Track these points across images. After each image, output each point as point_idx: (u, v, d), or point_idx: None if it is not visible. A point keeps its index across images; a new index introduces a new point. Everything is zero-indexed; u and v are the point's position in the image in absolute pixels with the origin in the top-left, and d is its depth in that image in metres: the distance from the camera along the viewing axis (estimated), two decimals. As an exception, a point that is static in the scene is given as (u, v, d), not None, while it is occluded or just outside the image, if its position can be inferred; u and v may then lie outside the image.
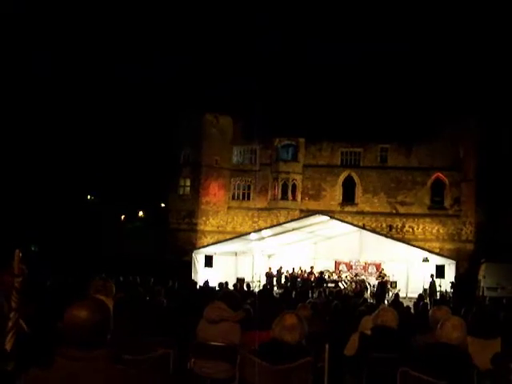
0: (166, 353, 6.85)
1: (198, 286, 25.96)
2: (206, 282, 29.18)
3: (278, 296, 25.96)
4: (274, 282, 38.41)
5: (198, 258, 37.44)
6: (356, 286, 36.74)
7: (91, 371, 3.28)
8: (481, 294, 37.22)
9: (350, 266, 41.26)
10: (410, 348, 7.01)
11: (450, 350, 5.58)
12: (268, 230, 40.18)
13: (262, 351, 5.41)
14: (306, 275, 38.65)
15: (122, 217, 74.80)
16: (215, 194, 56.62)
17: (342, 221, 41.39)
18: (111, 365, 3.37)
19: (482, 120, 51.09)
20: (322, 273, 38.66)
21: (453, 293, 32.93)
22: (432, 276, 35.01)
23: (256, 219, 55.66)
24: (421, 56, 77.43)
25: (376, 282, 37.09)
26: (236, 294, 9.95)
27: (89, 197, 76.98)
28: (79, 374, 3.27)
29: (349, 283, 37.87)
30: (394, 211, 54.95)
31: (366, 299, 25.16)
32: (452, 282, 34.74)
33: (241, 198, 57.53)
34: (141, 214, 76.65)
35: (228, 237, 45.18)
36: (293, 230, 38.95)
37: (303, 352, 5.42)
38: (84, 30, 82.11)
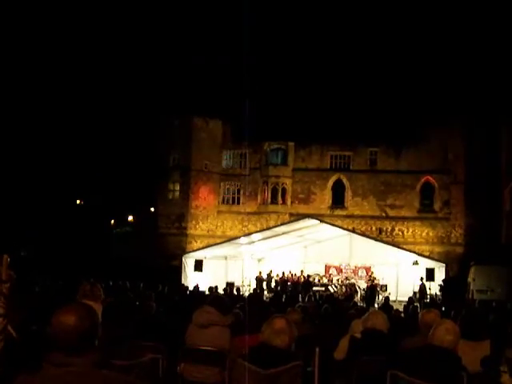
0: (155, 358, 6.83)
1: (187, 291, 25.92)
2: (196, 287, 29.13)
3: (267, 300, 25.95)
4: (264, 286, 38.42)
5: (188, 262, 37.43)
6: (346, 290, 36.78)
7: (79, 377, 3.25)
8: (470, 296, 37.30)
9: (339, 270, 41.31)
10: (400, 351, 7.01)
11: (442, 353, 5.58)
12: (258, 234, 40.24)
13: (251, 355, 5.39)
14: (296, 279, 38.66)
15: (112, 221, 74.58)
16: (205, 198, 56.58)
17: (331, 224, 41.45)
18: (99, 370, 3.35)
19: (470, 123, 51.30)
20: (311, 276, 38.70)
21: (442, 295, 33.00)
22: (422, 279, 35.12)
23: (246, 223, 55.65)
24: (409, 60, 77.55)
25: (366, 286, 37.18)
26: (225, 299, 9.93)
27: (78, 201, 76.72)
28: (67, 379, 3.24)
29: (339, 287, 37.92)
30: (384, 214, 55.02)
31: (355, 303, 25.14)
32: (440, 285, 34.83)
33: (230, 202, 57.51)
34: (130, 218, 76.44)
35: (218, 241, 45.19)
36: (282, 233, 39.00)
37: (292, 356, 5.41)
38: (73, 33, 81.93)
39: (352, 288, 37.22)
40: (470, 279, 39.46)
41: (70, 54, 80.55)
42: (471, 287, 38.62)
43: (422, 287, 34.96)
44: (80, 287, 7.61)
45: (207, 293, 23.79)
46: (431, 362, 5.50)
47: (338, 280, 39.29)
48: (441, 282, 35.25)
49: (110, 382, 3.31)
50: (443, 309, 18.24)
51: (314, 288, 36.41)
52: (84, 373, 3.28)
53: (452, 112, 52.25)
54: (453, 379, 5.46)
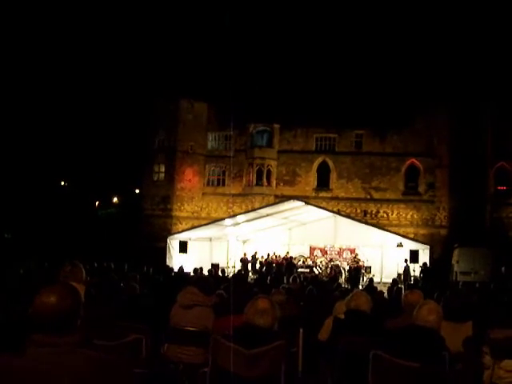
0: (139, 338, 6.83)
1: (172, 272, 25.93)
2: (181, 268, 29.14)
3: (252, 281, 26.03)
4: (249, 268, 38.47)
5: (173, 243, 37.41)
6: (330, 272, 36.90)
7: (61, 357, 3.24)
8: (454, 278, 37.51)
9: (324, 252, 41.42)
10: (383, 331, 7.04)
11: (425, 333, 5.61)
12: (243, 216, 40.23)
13: (234, 335, 5.40)
14: (280, 261, 38.73)
15: (96, 203, 74.40)
16: (190, 179, 56.50)
17: (316, 206, 41.48)
18: (82, 350, 3.33)
19: (456, 106, 51.38)
20: (296, 258, 38.80)
21: (422, 277, 33.15)
22: (406, 261, 35.26)
23: (231, 205, 55.64)
24: (395, 43, 77.52)
25: (350, 267, 37.30)
26: (209, 279, 9.98)
27: (62, 183, 76.46)
28: (49, 359, 3.23)
29: (323, 268, 38.02)
30: (369, 197, 55.13)
31: (340, 284, 25.26)
32: (421, 267, 34.97)
33: (215, 183, 57.47)
34: (115, 200, 76.27)
35: (203, 222, 45.16)
36: (267, 215, 39.00)
37: (275, 336, 5.41)
38: (59, 16, 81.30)
39: (336, 270, 37.35)
40: (453, 261, 39.66)
41: (55, 36, 79.98)
42: (455, 269, 38.84)
43: (406, 269, 35.10)
44: (61, 269, 7.56)
45: (192, 274, 23.79)
46: (414, 342, 5.53)
47: (322, 262, 39.39)
48: (426, 264, 35.36)
49: (93, 362, 3.29)
50: (422, 289, 18.30)
51: (299, 270, 36.50)
52: (67, 353, 3.26)
53: (437, 95, 52.31)
54: (435, 359, 5.48)
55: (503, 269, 36.24)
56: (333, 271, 36.89)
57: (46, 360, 3.23)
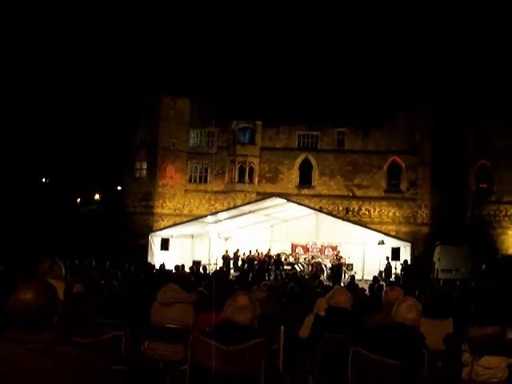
0: (118, 335, 6.79)
1: (153, 269, 25.86)
2: (162, 265, 29.08)
3: (234, 278, 25.99)
4: (231, 265, 38.46)
5: (155, 240, 37.30)
6: (312, 269, 36.92)
7: (38, 354, 3.20)
8: (435, 276, 37.66)
9: (306, 249, 41.49)
10: (363, 328, 7.03)
11: (404, 330, 5.60)
12: (225, 213, 40.21)
13: (213, 332, 5.37)
14: (262, 258, 38.74)
15: (78, 200, 74.09)
16: (172, 176, 56.41)
17: (298, 203, 41.54)
18: (59, 347, 3.30)
19: (438, 104, 51.60)
20: (278, 255, 38.82)
21: (403, 274, 33.26)
22: (387, 258, 35.37)
23: (213, 202, 55.62)
24: (378, 41, 77.72)
25: (332, 265, 37.36)
26: (189, 276, 9.96)
27: (43, 180, 76.09)
28: (26, 356, 3.19)
29: (305, 266, 38.05)
30: (351, 194, 55.29)
31: (321, 281, 25.30)
32: (402, 264, 35.10)
33: (198, 180, 57.41)
34: (97, 196, 75.99)
35: (185, 220, 45.05)
36: (249, 212, 39.00)
37: (255, 333, 5.39)
38: (41, 13, 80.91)
39: (318, 267, 37.37)
40: (435, 259, 39.82)
41: (36, 34, 79.60)
42: (436, 266, 39.00)
43: (388, 266, 35.21)
44: (39, 265, 7.48)
45: (173, 271, 23.73)
46: (393, 339, 5.52)
47: (304, 259, 39.44)
48: (408, 262, 35.46)
49: (71, 359, 3.26)
50: (407, 288, 18.35)
51: (281, 267, 36.50)
52: (44, 350, 3.23)
53: (420, 93, 52.51)
54: (414, 356, 5.48)
55: (484, 266, 36.45)
56: (314, 268, 36.90)
57: (20, 357, 3.19)
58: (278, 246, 40.95)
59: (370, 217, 54.41)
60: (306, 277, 31.92)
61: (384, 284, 26.24)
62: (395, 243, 37.43)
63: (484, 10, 74.90)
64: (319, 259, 39.23)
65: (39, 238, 45.92)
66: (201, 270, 30.15)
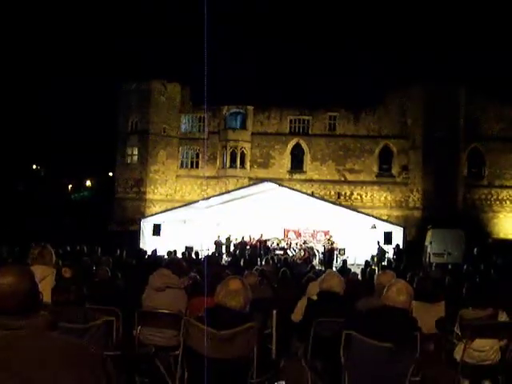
0: (109, 321, 6.76)
1: (145, 255, 25.84)
2: (154, 251, 29.03)
3: (226, 263, 26.01)
4: (223, 250, 38.44)
5: (146, 226, 37.23)
6: (304, 253, 36.93)
7: (27, 339, 3.16)
8: (427, 259, 37.75)
9: (298, 234, 41.44)
10: (355, 312, 7.03)
11: (396, 313, 5.60)
12: (216, 198, 40.16)
13: (205, 317, 5.35)
14: (254, 243, 38.73)
15: (69, 186, 73.98)
16: (163, 162, 56.35)
17: (290, 188, 41.47)
18: (48, 333, 3.25)
19: (429, 88, 51.63)
20: (270, 240, 38.80)
21: (395, 259, 33.30)
22: (378, 243, 35.40)
23: (205, 187, 55.59)
24: (369, 25, 77.70)
25: (324, 249, 37.37)
26: (181, 261, 9.93)
27: (35, 166, 75.93)
28: (8, 343, 3.15)
29: (297, 250, 38.04)
30: (343, 179, 55.33)
31: (313, 266, 25.29)
32: (394, 248, 35.14)
33: (189, 166, 57.40)
34: (88, 183, 75.89)
35: (177, 205, 44.99)
36: (241, 197, 38.95)
37: (247, 317, 5.37)
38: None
39: (310, 252, 37.38)
40: (427, 243, 39.89)
41: (26, 20, 79.25)
42: (428, 250, 39.07)
43: (380, 250, 35.23)
44: (29, 251, 7.44)
45: (166, 257, 23.71)
46: (384, 323, 5.51)
47: (296, 244, 39.42)
48: (400, 246, 35.48)
49: (60, 345, 3.21)
50: (399, 271, 18.38)
51: (273, 252, 36.50)
52: (33, 335, 3.18)
53: (411, 77, 52.58)
54: (406, 339, 5.48)
55: (475, 250, 36.54)
56: (307, 253, 36.92)
57: (4, 344, 3.14)
58: (270, 230, 40.88)
59: (362, 201, 54.49)
60: (299, 261, 31.97)
61: (376, 268, 26.23)
62: (387, 227, 37.43)
63: (475, -6, 74.96)
64: (311, 244, 39.22)
65: (30, 224, 45.82)
66: (193, 255, 30.09)
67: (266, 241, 38.87)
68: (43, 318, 3.29)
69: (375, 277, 8.42)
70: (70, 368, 3.12)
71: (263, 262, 23.88)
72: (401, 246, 35.35)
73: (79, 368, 3.14)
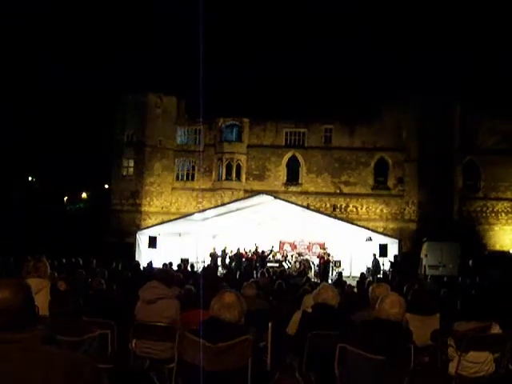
0: (104, 333, 6.77)
1: (141, 267, 25.81)
2: (150, 263, 29.03)
3: (222, 276, 25.95)
4: (219, 263, 38.40)
5: (142, 238, 37.16)
6: (300, 266, 36.93)
7: (23, 353, 3.17)
8: (423, 272, 37.78)
9: (294, 246, 41.46)
10: (350, 325, 7.04)
11: (389, 326, 5.61)
12: (212, 211, 40.11)
13: (200, 329, 5.36)
14: (250, 255, 38.72)
15: (65, 198, 73.85)
16: (159, 174, 56.39)
17: (285, 201, 41.46)
18: (44, 346, 3.26)
19: (424, 101, 51.74)
20: (265, 253, 38.79)
21: (392, 271, 33.28)
22: (374, 255, 35.36)
23: (200, 200, 55.56)
24: (363, 39, 77.92)
25: (319, 262, 37.38)
26: (169, 271, 9.94)
27: (30, 178, 75.82)
28: (10, 356, 3.15)
29: (293, 263, 38.04)
30: (338, 191, 55.37)
31: (309, 278, 25.29)
32: (391, 262, 35.12)
33: (185, 178, 57.43)
34: (84, 195, 75.79)
35: (172, 217, 44.96)
36: (237, 210, 38.95)
37: (242, 330, 5.39)
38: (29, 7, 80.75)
39: (306, 264, 37.37)
40: (422, 255, 39.95)
41: (21, 26, 79.31)
42: (424, 263, 39.12)
43: (376, 263, 35.21)
44: (24, 264, 7.45)
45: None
46: (378, 335, 5.53)
47: (291, 256, 39.41)
48: (392, 258, 35.46)
49: (56, 358, 3.22)
50: (392, 284, 18.40)
51: (269, 264, 36.48)
52: (29, 349, 3.19)
53: (406, 90, 52.71)
54: (400, 351, 5.49)
55: (470, 262, 36.59)
56: (302, 265, 36.91)
57: (6, 356, 3.15)
58: (266, 243, 40.87)
59: (358, 213, 54.52)
60: (294, 274, 31.95)
61: (371, 280, 26.23)
62: (383, 240, 37.41)
63: (467, 7, 75.19)
64: (307, 256, 39.23)
65: (26, 237, 45.74)
66: (188, 267, 30.07)
67: (261, 253, 38.86)
68: (38, 332, 3.29)
69: (370, 289, 8.42)
70: (65, 382, 3.13)
71: (259, 275, 23.90)
72: (397, 259, 35.32)
73: (74, 382, 3.15)
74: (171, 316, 8.00)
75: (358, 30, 78.22)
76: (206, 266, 33.25)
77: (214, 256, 38.52)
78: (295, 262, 37.97)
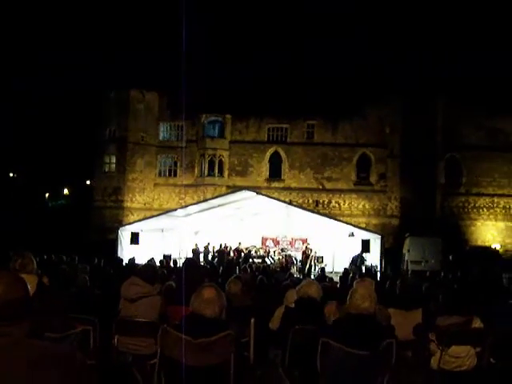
0: (86, 330, 6.75)
1: (123, 263, 25.75)
2: (132, 259, 28.93)
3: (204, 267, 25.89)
4: (201, 259, 38.37)
5: (124, 235, 37.06)
6: (282, 261, 36.95)
7: (13, 346, 3.16)
8: (405, 267, 37.94)
9: (276, 242, 41.47)
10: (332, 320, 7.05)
11: (361, 320, 5.62)
12: (194, 207, 40.10)
13: (181, 325, 5.35)
14: (233, 251, 38.72)
15: (47, 194, 73.52)
16: (141, 170, 56.27)
17: (268, 196, 41.45)
18: (33, 340, 3.26)
19: (407, 97, 51.92)
20: (248, 248, 38.81)
21: (384, 266, 33.39)
22: (361, 252, 35.38)
23: (183, 196, 55.50)
24: (347, 35, 77.99)
25: (302, 257, 37.43)
26: (152, 266, 9.87)
27: (11, 174, 75.42)
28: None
29: (276, 258, 38.06)
30: (321, 187, 55.46)
31: (291, 274, 25.34)
32: (380, 256, 35.17)
33: (167, 174, 57.37)
34: (66, 191, 75.47)
35: (155, 214, 44.89)
36: (219, 206, 38.92)
37: (223, 325, 5.38)
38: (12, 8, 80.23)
39: (288, 260, 37.39)
40: (404, 250, 40.12)
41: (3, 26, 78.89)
42: (406, 258, 39.30)
43: (359, 258, 35.25)
44: (10, 263, 7.39)
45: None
46: (353, 330, 5.54)
47: (274, 252, 39.43)
48: (377, 254, 35.46)
49: (45, 352, 3.22)
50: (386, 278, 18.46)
51: (251, 260, 36.48)
52: (18, 342, 3.18)
53: (389, 86, 52.82)
54: (377, 345, 5.49)
55: (451, 257, 36.81)
56: (285, 261, 36.93)
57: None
58: (249, 239, 40.87)
59: (340, 209, 54.65)
60: (277, 269, 31.98)
61: (352, 276, 26.27)
62: (365, 235, 37.48)
63: (451, 4, 75.46)
64: (289, 252, 39.24)
65: (7, 233, 45.49)
66: (171, 263, 30.01)
67: (243, 249, 38.87)
68: (28, 325, 3.29)
69: (354, 284, 8.45)
70: (54, 376, 3.13)
71: (241, 271, 23.88)
72: (380, 254, 35.39)
73: (62, 376, 3.15)
74: (154, 314, 7.98)
75: (344, 29, 78.44)
76: (188, 257, 33.23)
77: (195, 252, 38.48)
78: (278, 258, 38.00)
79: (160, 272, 13.42)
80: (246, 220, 42.55)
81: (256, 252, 39.04)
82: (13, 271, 7.31)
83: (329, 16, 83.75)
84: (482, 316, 7.64)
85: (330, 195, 55.33)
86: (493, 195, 53.53)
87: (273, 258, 38.16)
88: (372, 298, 5.78)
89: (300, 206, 46.73)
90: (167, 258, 33.18)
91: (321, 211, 49.86)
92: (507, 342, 7.57)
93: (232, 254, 38.42)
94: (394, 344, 5.53)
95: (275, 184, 55.62)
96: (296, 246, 40.73)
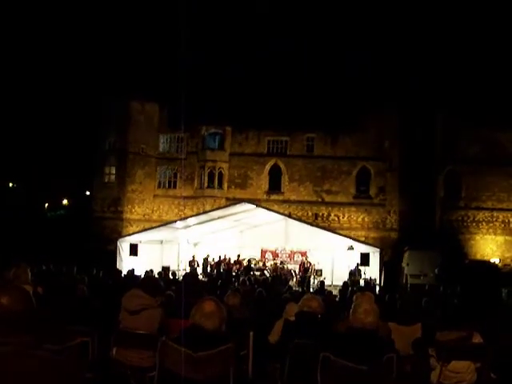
0: (85, 341, 6.72)
1: (122, 275, 25.72)
2: (131, 271, 28.90)
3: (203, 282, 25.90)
4: (200, 271, 38.30)
5: (123, 246, 37.01)
6: (281, 274, 36.90)
7: (15, 357, 3.17)
8: (404, 281, 37.89)
9: (275, 254, 41.38)
10: (332, 334, 7.03)
11: (365, 335, 5.60)
12: (194, 218, 40.05)
13: (182, 338, 5.33)
14: (231, 263, 38.66)
15: (46, 205, 73.46)
16: (141, 182, 56.26)
17: (267, 209, 41.45)
18: (34, 351, 3.27)
19: (406, 111, 52.01)
20: (246, 260, 38.77)
21: (384, 279, 33.38)
22: (358, 264, 35.38)
23: (182, 207, 55.47)
24: (347, 48, 78.16)
25: (301, 270, 37.38)
26: (154, 278, 9.86)
27: (11, 184, 75.38)
28: (2, 359, 3.16)
29: (274, 271, 38.00)
30: (320, 200, 55.45)
31: (290, 287, 25.31)
32: (381, 269, 35.16)
33: (167, 186, 57.36)
34: (65, 201, 75.43)
35: (154, 225, 44.86)
36: (218, 218, 38.89)
37: (223, 338, 5.36)
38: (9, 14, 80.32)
39: (287, 272, 37.37)
40: (403, 264, 40.05)
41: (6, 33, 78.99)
42: (405, 272, 39.23)
43: (357, 272, 35.25)
44: (5, 273, 7.39)
45: (142, 277, 23.57)
46: (356, 344, 5.51)
47: (272, 264, 39.37)
48: (376, 267, 35.44)
49: (46, 363, 3.24)
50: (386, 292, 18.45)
51: (250, 272, 36.45)
52: (20, 353, 3.20)
53: (388, 100, 52.89)
54: (378, 360, 5.47)
55: (450, 271, 36.72)
56: (284, 274, 36.89)
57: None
58: (248, 251, 40.82)
59: (339, 222, 54.62)
60: (272, 277, 31.96)
61: (351, 289, 26.24)
62: (364, 249, 37.45)
63: (450, 19, 75.62)
64: (288, 265, 39.20)
65: (5, 243, 45.42)
66: (170, 275, 29.99)
67: (242, 261, 38.83)
68: (30, 337, 3.31)
69: (354, 298, 8.43)
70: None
71: (240, 283, 23.86)
72: (378, 268, 35.38)
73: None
74: (155, 326, 7.94)
75: (341, 39, 78.70)
76: (187, 272, 33.18)
77: (192, 264, 38.33)
78: (277, 271, 37.91)
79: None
80: (245, 232, 42.53)
81: (255, 264, 38.99)
82: (6, 281, 7.31)
83: (329, 30, 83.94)
84: (482, 331, 7.61)
85: (330, 208, 55.33)
86: (492, 209, 53.47)
87: (271, 271, 38.10)
88: (375, 313, 5.76)
89: (299, 219, 46.72)
90: (166, 269, 33.18)
91: (320, 224, 49.87)
92: (507, 357, 7.55)
93: (231, 265, 38.35)
94: (395, 358, 5.51)
95: (275, 197, 55.62)
96: (295, 258, 40.65)
